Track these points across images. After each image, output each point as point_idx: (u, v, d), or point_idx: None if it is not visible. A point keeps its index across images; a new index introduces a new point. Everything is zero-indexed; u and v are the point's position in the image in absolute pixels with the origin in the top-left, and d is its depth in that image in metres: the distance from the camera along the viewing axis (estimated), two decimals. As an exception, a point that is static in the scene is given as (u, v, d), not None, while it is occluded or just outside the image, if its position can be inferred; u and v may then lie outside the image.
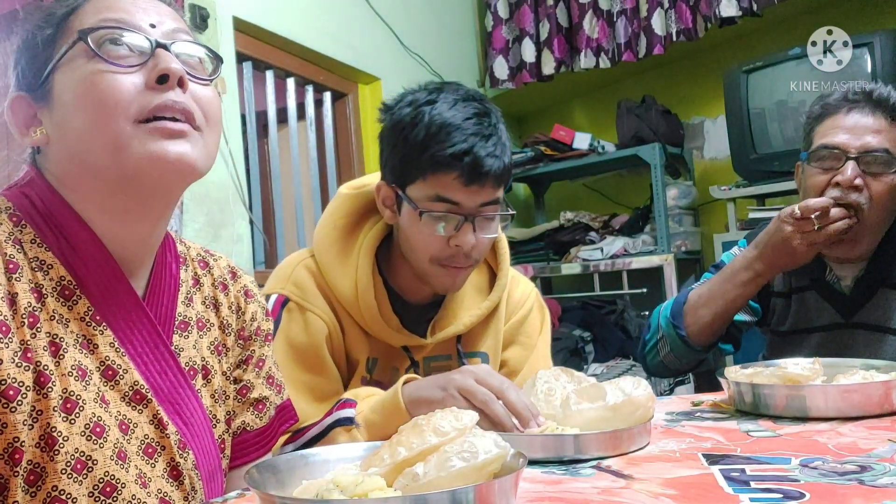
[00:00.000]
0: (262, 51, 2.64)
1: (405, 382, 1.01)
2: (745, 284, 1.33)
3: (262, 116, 2.84)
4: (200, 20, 2.25)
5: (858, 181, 1.28)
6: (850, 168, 1.28)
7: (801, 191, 1.41)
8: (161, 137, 0.71)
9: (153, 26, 0.75)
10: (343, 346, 1.16)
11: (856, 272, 1.38)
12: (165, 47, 0.74)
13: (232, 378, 0.90)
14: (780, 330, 1.47)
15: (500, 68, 3.61)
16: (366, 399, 1.05)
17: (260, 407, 0.92)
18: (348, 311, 1.15)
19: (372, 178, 1.21)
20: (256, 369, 0.93)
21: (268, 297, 1.13)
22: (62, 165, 0.75)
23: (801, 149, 1.41)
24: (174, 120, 0.73)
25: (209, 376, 0.85)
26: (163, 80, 0.72)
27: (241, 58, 2.56)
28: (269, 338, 0.96)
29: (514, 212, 1.15)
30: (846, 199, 1.28)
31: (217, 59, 0.80)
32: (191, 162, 0.73)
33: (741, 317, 1.47)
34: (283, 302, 1.14)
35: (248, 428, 0.91)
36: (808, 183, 1.36)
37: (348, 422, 1.01)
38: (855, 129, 1.30)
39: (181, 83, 0.73)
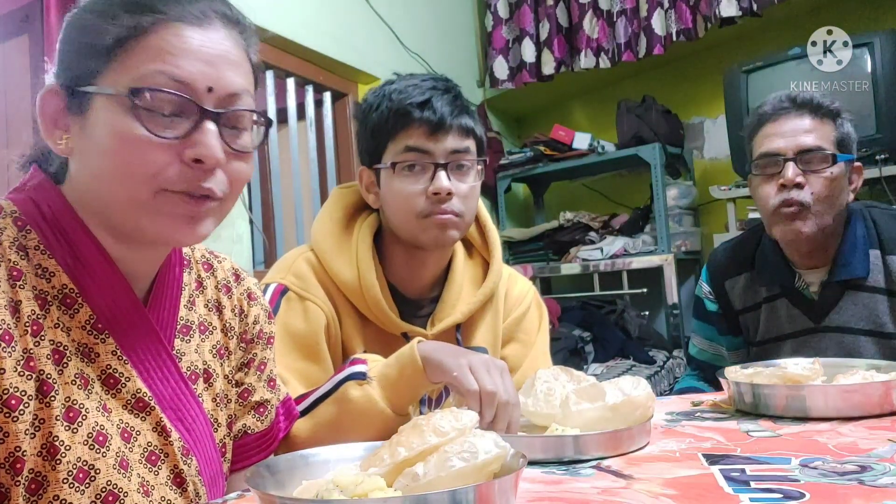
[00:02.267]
0: (261, 51, 2.62)
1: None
2: None
3: (262, 116, 2.84)
4: (200, 20, 2.24)
5: (800, 179, 1.33)
6: (790, 169, 1.34)
7: (756, 201, 1.45)
8: (175, 219, 0.70)
9: (210, 90, 0.70)
10: (340, 339, 1.16)
11: (822, 276, 1.41)
12: (215, 118, 0.70)
13: (234, 381, 0.90)
14: (755, 340, 1.50)
15: (500, 68, 3.61)
16: (375, 361, 1.06)
17: (261, 410, 0.92)
18: (349, 298, 1.16)
19: None
20: (258, 373, 0.93)
21: (266, 288, 1.14)
22: (78, 186, 0.74)
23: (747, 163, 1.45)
24: (192, 195, 0.70)
25: (211, 380, 0.85)
26: (197, 162, 0.70)
27: (241, 58, 2.55)
28: (272, 341, 0.96)
29: (486, 158, 1.22)
30: (792, 198, 1.33)
31: (267, 124, 0.77)
32: (199, 238, 0.74)
33: (730, 360, 1.52)
34: (283, 291, 1.14)
35: (249, 431, 0.90)
36: (756, 193, 1.42)
37: (360, 376, 1.01)
38: (788, 133, 1.36)
39: (215, 164, 0.71)
